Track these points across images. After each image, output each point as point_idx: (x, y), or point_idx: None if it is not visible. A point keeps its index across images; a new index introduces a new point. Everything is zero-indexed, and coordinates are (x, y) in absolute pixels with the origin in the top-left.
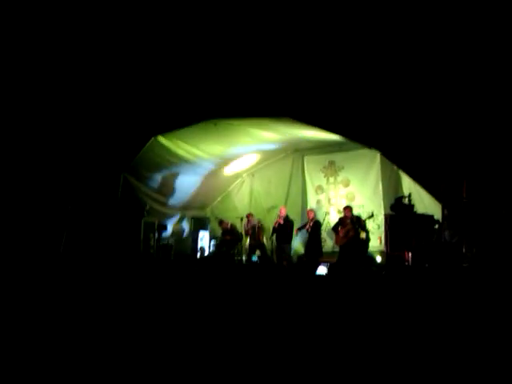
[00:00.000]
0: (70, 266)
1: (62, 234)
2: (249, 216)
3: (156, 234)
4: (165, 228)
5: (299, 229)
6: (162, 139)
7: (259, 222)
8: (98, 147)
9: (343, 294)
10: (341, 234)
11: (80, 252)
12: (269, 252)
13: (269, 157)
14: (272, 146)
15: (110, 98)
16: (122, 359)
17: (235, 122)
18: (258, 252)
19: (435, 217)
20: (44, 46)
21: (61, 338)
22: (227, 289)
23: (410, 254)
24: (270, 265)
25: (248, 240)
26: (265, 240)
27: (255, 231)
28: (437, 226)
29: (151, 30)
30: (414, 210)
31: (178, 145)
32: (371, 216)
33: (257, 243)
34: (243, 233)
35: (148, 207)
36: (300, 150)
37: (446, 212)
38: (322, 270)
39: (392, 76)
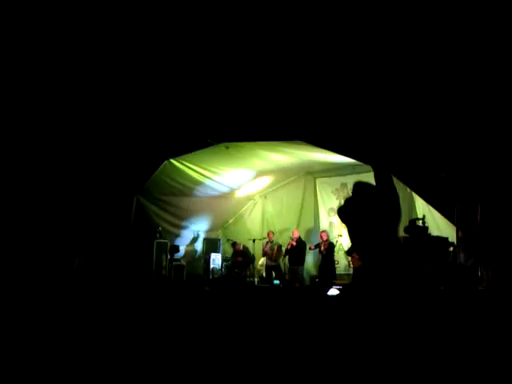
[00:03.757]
0: (82, 286)
1: (76, 254)
2: (270, 234)
3: (168, 255)
4: (177, 249)
5: (315, 246)
6: (174, 162)
7: (277, 242)
8: (112, 170)
9: (357, 313)
10: (357, 256)
11: (93, 273)
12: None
13: (281, 179)
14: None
15: (125, 121)
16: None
17: (247, 145)
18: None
19: (449, 239)
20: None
21: (72, 358)
22: (238, 309)
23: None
24: (286, 287)
25: (263, 261)
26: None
27: (273, 252)
28: (451, 249)
29: (165, 54)
30: (429, 232)
31: (190, 167)
32: None
33: (274, 264)
34: (261, 253)
35: (160, 228)
36: (312, 173)
37: (460, 234)
38: (333, 292)
39: (403, 99)
